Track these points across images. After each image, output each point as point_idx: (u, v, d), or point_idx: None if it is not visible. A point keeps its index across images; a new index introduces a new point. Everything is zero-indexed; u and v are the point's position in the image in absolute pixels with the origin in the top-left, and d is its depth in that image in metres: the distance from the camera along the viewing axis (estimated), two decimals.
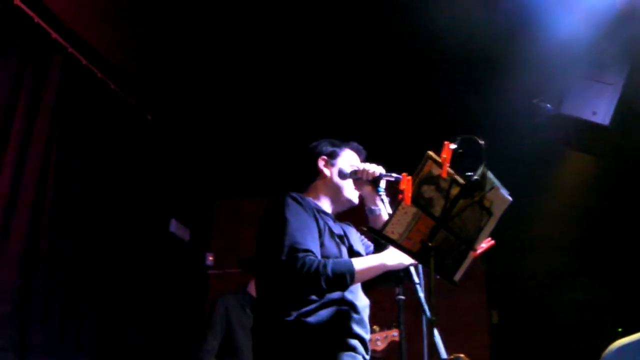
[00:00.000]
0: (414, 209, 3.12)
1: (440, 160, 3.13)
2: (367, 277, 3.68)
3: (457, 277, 3.43)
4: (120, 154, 7.09)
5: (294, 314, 3.54)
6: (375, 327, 5.79)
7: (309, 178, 4.19)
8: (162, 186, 8.04)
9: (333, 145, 4.23)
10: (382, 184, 3.96)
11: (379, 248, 3.90)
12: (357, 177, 4.02)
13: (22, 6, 5.71)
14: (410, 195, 3.07)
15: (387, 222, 3.14)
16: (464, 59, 6.77)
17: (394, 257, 3.65)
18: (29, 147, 5.72)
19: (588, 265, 8.51)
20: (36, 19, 5.87)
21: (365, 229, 3.77)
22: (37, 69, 5.92)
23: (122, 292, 6.87)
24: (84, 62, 6.52)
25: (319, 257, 3.59)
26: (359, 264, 3.62)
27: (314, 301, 3.57)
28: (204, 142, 8.61)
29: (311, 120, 7.59)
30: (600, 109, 6.45)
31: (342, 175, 4.07)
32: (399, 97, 7.59)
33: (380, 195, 3.94)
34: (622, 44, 6.18)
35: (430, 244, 3.14)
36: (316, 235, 3.74)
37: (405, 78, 7.26)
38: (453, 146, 3.11)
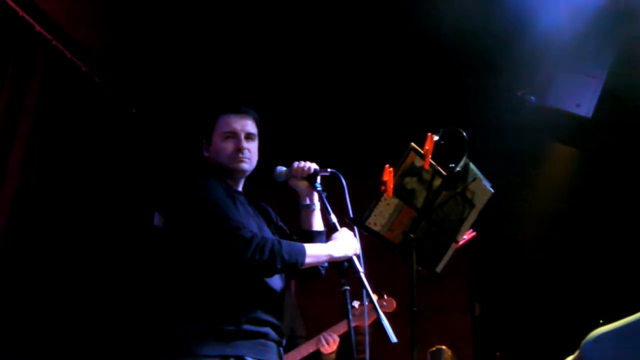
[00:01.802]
0: (396, 201, 3.13)
1: (422, 152, 3.13)
2: (313, 263, 3.65)
3: (439, 268, 3.45)
4: (104, 147, 7.05)
5: (206, 296, 3.52)
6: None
7: (204, 164, 4.14)
8: (146, 179, 8.02)
9: (207, 120, 4.11)
10: (318, 179, 3.95)
11: (304, 241, 3.87)
12: (292, 176, 4.02)
13: None
14: (392, 186, 3.08)
15: (369, 213, 3.15)
16: (446, 52, 6.78)
17: (340, 248, 3.63)
18: (11, 140, 5.69)
19: (571, 258, 8.55)
20: (20, 12, 5.83)
21: (347, 220, 3.77)
22: (20, 62, 5.89)
23: (105, 286, 6.84)
24: (68, 55, 6.48)
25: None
26: (309, 249, 3.60)
27: (230, 283, 3.54)
28: (189, 135, 8.59)
29: (297, 114, 7.60)
30: (583, 101, 6.47)
31: (279, 176, 4.06)
32: (382, 92, 7.59)
33: (318, 191, 3.92)
34: (605, 37, 6.20)
35: (412, 235, 3.14)
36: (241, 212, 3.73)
37: (389, 72, 7.25)
38: (436, 138, 3.11)
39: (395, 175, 3.10)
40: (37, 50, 6.10)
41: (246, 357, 3.45)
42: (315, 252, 3.62)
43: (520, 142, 7.71)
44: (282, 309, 3.80)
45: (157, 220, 8.31)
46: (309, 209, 4.04)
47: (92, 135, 6.85)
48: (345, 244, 3.59)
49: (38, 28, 6.05)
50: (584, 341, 2.00)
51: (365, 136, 7.88)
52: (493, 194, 3.44)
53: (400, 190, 3.13)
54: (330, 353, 5.95)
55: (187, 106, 7.98)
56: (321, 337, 5.95)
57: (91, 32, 6.61)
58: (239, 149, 3.91)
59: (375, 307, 3.27)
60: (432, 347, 6.40)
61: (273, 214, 4.24)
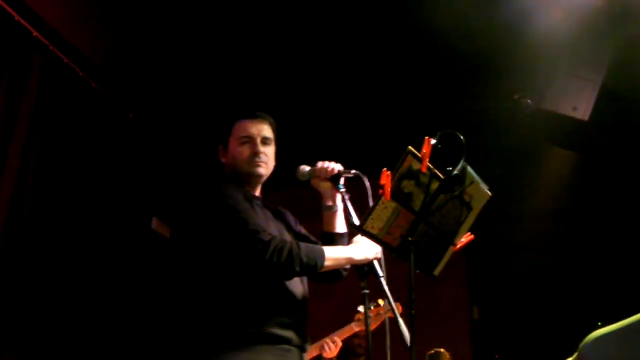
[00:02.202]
0: (394, 204, 3.12)
1: (420, 156, 3.13)
2: (333, 267, 3.65)
3: (438, 272, 3.43)
4: (102, 152, 7.05)
5: (226, 301, 3.50)
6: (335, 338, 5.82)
7: (222, 171, 4.11)
8: (144, 184, 8.02)
9: (224, 126, 4.11)
10: (342, 181, 3.92)
11: (328, 244, 3.87)
12: (316, 176, 3.98)
13: (3, 4, 5.68)
14: (390, 190, 3.07)
15: (367, 217, 3.14)
16: (444, 56, 6.79)
17: (360, 252, 3.64)
18: (8, 145, 5.70)
19: (570, 261, 8.56)
20: (17, 17, 5.84)
21: (350, 225, 3.76)
22: (17, 67, 5.90)
23: (102, 289, 6.84)
24: (65, 60, 6.49)
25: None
26: (329, 252, 3.61)
27: (251, 288, 3.51)
28: (187, 139, 8.59)
29: (297, 118, 7.60)
30: (580, 105, 6.49)
31: (302, 175, 4.03)
32: (380, 95, 7.58)
33: (342, 193, 3.90)
34: (602, 40, 6.21)
35: (410, 239, 3.14)
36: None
37: (387, 75, 7.25)
38: (433, 141, 3.11)
39: (393, 178, 3.09)
40: (34, 55, 6.11)
41: None
42: (335, 255, 3.63)
43: (518, 146, 7.73)
44: (304, 313, 3.77)
45: (155, 224, 8.31)
46: (332, 210, 4.03)
47: (89, 140, 6.85)
48: (367, 247, 3.58)
49: (35, 33, 6.06)
50: (583, 343, 2.00)
51: (363, 139, 7.87)
52: (491, 197, 3.44)
53: (398, 194, 3.12)
54: (332, 358, 5.94)
55: (185, 111, 7.98)
56: (324, 342, 5.94)
57: (88, 37, 6.61)
58: (256, 153, 3.90)
59: (394, 313, 3.25)
60: (431, 350, 6.42)
61: (292, 219, 4.21)
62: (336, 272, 3.89)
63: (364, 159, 4.06)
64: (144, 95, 7.66)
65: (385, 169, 3.13)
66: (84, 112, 6.80)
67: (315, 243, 3.99)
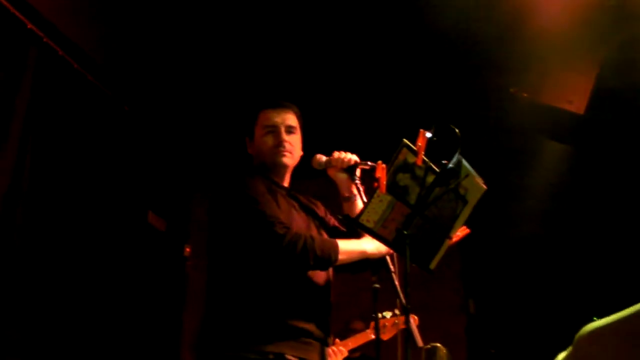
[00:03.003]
0: (389, 197, 3.12)
1: (415, 148, 3.12)
2: (346, 261, 3.63)
3: (433, 265, 3.43)
4: (97, 145, 7.03)
5: (245, 292, 3.52)
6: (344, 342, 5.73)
7: (250, 161, 4.11)
8: (139, 177, 8.01)
9: (249, 117, 4.10)
10: (357, 172, 3.92)
11: (351, 234, 3.87)
12: (332, 166, 3.95)
13: None
14: (385, 183, 3.07)
15: (363, 210, 3.13)
16: (440, 49, 6.78)
17: (374, 245, 3.63)
18: (4, 138, 5.68)
19: (566, 255, 8.56)
20: (11, 9, 5.81)
21: (340, 217, 3.75)
22: (12, 59, 5.88)
23: (98, 283, 6.83)
24: (60, 52, 6.45)
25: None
26: (343, 245, 3.59)
27: (270, 280, 3.53)
28: (183, 133, 8.58)
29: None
30: (575, 98, 6.49)
31: (318, 164, 4.02)
32: (375, 88, 7.57)
33: (356, 183, 3.89)
34: (598, 33, 6.21)
35: (405, 232, 3.13)
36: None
37: (384, 65, 7.24)
38: (428, 134, 3.10)
39: (388, 171, 3.09)
40: (29, 47, 6.09)
41: (286, 355, 3.43)
42: (348, 248, 3.62)
43: (514, 139, 7.72)
44: (327, 306, 3.77)
45: (150, 217, 8.31)
46: (349, 200, 4.00)
47: (85, 133, 6.83)
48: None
49: (30, 25, 6.03)
50: (578, 335, 1.99)
51: (359, 133, 7.85)
52: (486, 191, 3.43)
53: (393, 187, 3.11)
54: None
55: (180, 103, 7.96)
56: (330, 349, 5.88)
57: (83, 29, 6.59)
58: (280, 143, 3.90)
59: (405, 312, 3.21)
60: (427, 344, 6.40)
61: (322, 209, 4.21)
62: (363, 263, 3.82)
63: (361, 151, 4.03)
64: (139, 88, 7.64)
65: (380, 162, 3.13)
66: (79, 105, 6.78)
67: (345, 234, 3.99)
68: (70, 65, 6.64)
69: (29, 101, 5.99)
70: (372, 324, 5.33)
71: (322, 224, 4.05)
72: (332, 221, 4.18)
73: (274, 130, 3.93)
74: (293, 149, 3.97)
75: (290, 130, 3.97)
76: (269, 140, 3.92)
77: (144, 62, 7.19)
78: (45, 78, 6.23)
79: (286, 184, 4.04)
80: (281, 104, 4.05)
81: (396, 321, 5.19)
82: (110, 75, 7.23)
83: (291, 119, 4.01)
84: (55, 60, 6.42)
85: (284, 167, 3.96)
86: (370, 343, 7.19)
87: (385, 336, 5.19)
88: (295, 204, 3.92)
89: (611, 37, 6.25)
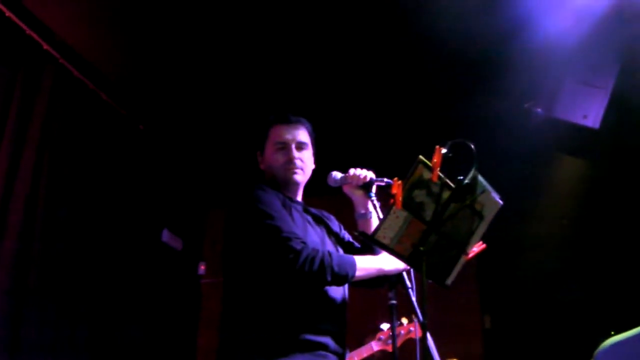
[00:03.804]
0: (405, 213, 3.11)
1: (431, 165, 3.13)
2: (363, 277, 3.63)
3: (449, 281, 3.41)
4: (112, 164, 7.07)
5: (262, 306, 3.51)
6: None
7: (261, 176, 4.11)
8: (155, 196, 8.03)
9: (261, 132, 4.10)
10: (373, 188, 3.92)
11: (366, 249, 3.87)
12: (348, 183, 3.96)
13: (14, 18, 5.70)
14: (401, 199, 3.07)
15: (379, 226, 3.13)
16: (454, 62, 6.78)
17: (391, 262, 3.64)
18: (20, 157, 5.72)
19: (582, 268, 8.52)
20: (27, 31, 5.86)
21: (357, 234, 3.76)
22: (28, 80, 5.92)
23: (114, 303, 6.84)
24: (76, 73, 6.51)
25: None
26: (360, 262, 3.60)
27: (286, 294, 3.53)
28: (198, 151, 8.60)
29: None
30: (590, 113, 6.47)
31: (334, 182, 4.02)
32: (390, 101, 7.57)
33: (372, 200, 3.89)
34: (612, 47, 6.20)
35: (421, 248, 3.13)
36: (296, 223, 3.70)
37: (397, 82, 7.24)
38: (444, 150, 3.11)
39: (404, 188, 3.09)
40: (44, 68, 6.13)
41: None
42: (365, 265, 3.62)
43: (529, 155, 7.71)
44: (343, 320, 3.77)
45: (166, 236, 8.32)
46: (365, 217, 4.00)
47: (100, 153, 6.87)
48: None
49: (46, 47, 6.08)
50: (597, 350, 1.99)
51: (374, 150, 7.85)
52: (502, 207, 3.42)
53: (409, 203, 3.11)
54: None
55: (195, 122, 7.98)
56: None
57: (98, 50, 6.63)
58: (290, 160, 3.91)
59: (422, 327, 3.20)
60: None
61: (336, 224, 4.22)
62: (380, 279, 3.82)
63: (377, 168, 4.04)
64: (154, 108, 7.67)
65: (396, 178, 3.13)
66: (94, 124, 6.82)
67: (360, 249, 4.01)
68: (86, 85, 6.69)
69: (44, 121, 6.02)
70: (377, 335, 5.32)
71: (336, 239, 4.06)
72: (347, 236, 4.20)
73: (285, 147, 3.94)
74: (304, 166, 3.98)
75: (301, 146, 3.98)
76: (280, 157, 3.93)
77: (158, 81, 7.22)
78: (60, 98, 6.27)
79: (299, 198, 4.05)
80: (292, 120, 4.05)
81: (401, 331, 5.17)
82: (125, 95, 7.27)
83: (302, 135, 4.02)
84: (71, 80, 6.47)
85: (296, 184, 3.96)
86: (374, 355, 7.22)
87: (390, 347, 5.16)
88: (310, 219, 3.93)
89: (625, 48, 6.24)
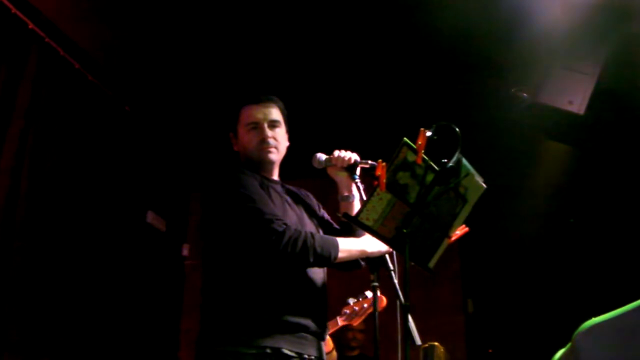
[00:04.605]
0: (388, 196, 3.12)
1: (415, 147, 3.13)
2: (346, 259, 3.64)
3: (432, 264, 3.43)
4: (97, 145, 7.03)
5: (243, 287, 3.52)
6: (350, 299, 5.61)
7: (236, 158, 4.11)
8: (139, 177, 8.01)
9: (231, 112, 4.09)
10: (358, 171, 3.92)
11: (346, 231, 3.88)
12: (332, 165, 3.97)
13: None
14: (385, 181, 3.07)
15: (362, 208, 3.14)
16: (440, 49, 6.78)
17: (374, 244, 3.63)
18: (3, 137, 5.68)
19: (564, 255, 8.56)
20: (13, 10, 5.82)
21: (340, 215, 3.76)
22: (13, 59, 5.88)
23: (97, 283, 6.83)
24: (62, 53, 6.46)
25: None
26: (343, 243, 3.60)
27: (267, 276, 3.53)
28: (182, 133, 8.57)
29: (295, 112, 7.59)
30: (576, 98, 6.49)
31: (318, 163, 4.02)
32: (374, 84, 7.55)
33: (356, 182, 3.89)
34: (599, 33, 6.21)
35: (405, 231, 3.14)
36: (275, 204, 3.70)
37: (382, 65, 7.22)
38: (429, 133, 3.11)
39: (388, 170, 3.09)
40: (30, 47, 6.09)
41: (283, 350, 3.44)
42: (348, 247, 3.62)
43: (514, 140, 7.73)
44: (324, 301, 3.79)
45: (150, 218, 8.31)
46: (348, 200, 4.01)
47: (85, 133, 6.83)
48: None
49: (31, 25, 6.03)
50: (576, 332, 2.00)
51: (360, 132, 7.85)
52: (486, 190, 3.43)
53: (393, 185, 3.12)
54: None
55: (182, 104, 7.95)
56: None
57: (84, 29, 6.58)
58: (263, 139, 3.89)
59: (404, 310, 3.19)
60: (425, 343, 6.39)
61: (315, 203, 4.22)
62: (355, 261, 3.87)
63: (361, 150, 4.04)
64: (140, 88, 7.64)
65: (380, 160, 3.13)
66: (79, 105, 6.77)
67: (339, 230, 4.02)
68: (72, 65, 6.64)
69: (30, 101, 5.98)
70: (343, 309, 5.31)
71: (315, 218, 4.06)
72: (326, 215, 4.21)
73: (257, 127, 3.92)
74: (278, 144, 3.97)
75: (273, 124, 3.96)
76: (253, 138, 3.92)
77: (145, 61, 7.18)
78: (46, 78, 6.23)
79: (276, 177, 4.05)
80: (262, 99, 4.03)
81: (365, 304, 5.15)
82: (111, 76, 7.23)
83: (274, 113, 4.00)
84: (57, 60, 6.42)
85: (271, 163, 3.96)
86: (355, 336, 7.20)
87: (356, 321, 5.16)
88: (289, 198, 3.93)
89: (612, 36, 6.25)
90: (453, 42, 6.54)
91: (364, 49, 6.97)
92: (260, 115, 3.94)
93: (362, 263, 3.97)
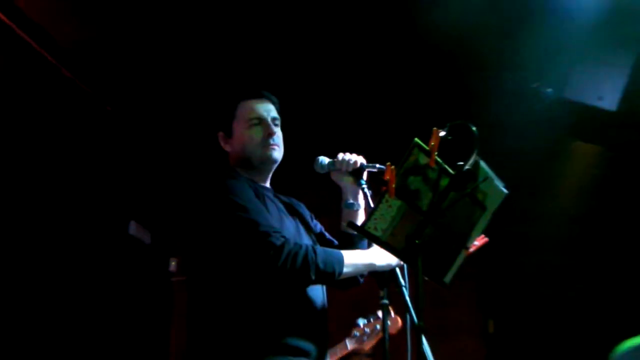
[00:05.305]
0: (398, 203, 3.09)
1: (428, 148, 3.10)
2: (351, 274, 3.61)
3: (448, 278, 3.39)
4: (76, 148, 7.02)
5: (238, 309, 3.47)
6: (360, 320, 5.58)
7: (224, 160, 4.06)
8: (122, 183, 7.99)
9: (224, 109, 4.04)
10: (364, 175, 3.90)
11: (345, 245, 3.85)
12: (336, 169, 3.94)
13: None
14: (394, 187, 3.05)
15: (369, 216, 3.10)
16: (456, 41, 6.75)
17: (382, 257, 3.59)
18: None
19: (591, 269, 8.53)
20: None
21: (345, 224, 3.73)
22: None
23: (72, 304, 6.81)
24: (35, 46, 6.44)
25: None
26: (348, 257, 3.54)
27: (264, 295, 3.47)
28: (170, 135, 8.55)
29: (294, 114, 7.58)
30: (606, 94, 6.46)
31: (320, 168, 3.99)
32: (381, 80, 7.55)
33: (363, 188, 3.86)
34: (632, 20, 6.18)
35: (417, 242, 3.11)
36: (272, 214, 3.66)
37: (391, 60, 7.22)
38: (442, 133, 3.08)
39: (397, 174, 3.06)
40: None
41: None
42: (354, 260, 3.58)
43: (537, 140, 7.69)
44: (324, 322, 3.75)
45: (133, 229, 8.28)
46: (352, 208, 3.98)
47: (62, 134, 6.82)
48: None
49: (1, 16, 6.02)
50: (612, 354, 1.98)
51: (367, 133, 7.84)
52: (507, 196, 3.41)
53: (403, 191, 3.09)
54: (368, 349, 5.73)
55: (168, 105, 7.94)
56: None
57: (61, 22, 6.57)
58: (270, 135, 3.87)
59: (418, 330, 3.15)
60: None
61: (307, 212, 4.19)
62: (353, 278, 3.82)
63: (367, 153, 4.01)
64: (123, 87, 7.61)
65: (389, 164, 3.10)
66: (55, 103, 6.76)
67: (332, 242, 4.01)
68: (45, 58, 6.62)
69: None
70: (352, 332, 5.28)
71: (310, 230, 4.04)
72: (319, 226, 4.18)
73: (261, 123, 3.90)
74: (281, 143, 3.95)
75: (276, 123, 3.96)
76: (256, 133, 3.88)
77: (128, 58, 7.16)
78: (16, 71, 6.22)
79: (268, 184, 4.02)
80: (265, 95, 4.03)
81: (378, 325, 5.13)
82: (90, 72, 7.21)
83: (274, 111, 4.00)
84: (29, 53, 6.41)
85: (273, 163, 3.93)
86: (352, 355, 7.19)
87: (367, 345, 5.14)
88: (282, 207, 3.90)
89: None
90: (469, 32, 6.52)
91: (371, 42, 6.98)
92: (263, 112, 3.94)
93: (361, 279, 3.94)
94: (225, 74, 7.32)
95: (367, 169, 3.90)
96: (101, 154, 7.52)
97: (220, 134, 4.02)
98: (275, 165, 3.97)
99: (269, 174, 3.99)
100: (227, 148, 4.02)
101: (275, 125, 3.94)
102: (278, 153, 3.91)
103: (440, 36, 6.65)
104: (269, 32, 6.80)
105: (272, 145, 3.86)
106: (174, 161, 8.95)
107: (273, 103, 4.03)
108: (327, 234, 4.13)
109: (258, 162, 3.88)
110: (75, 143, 7.03)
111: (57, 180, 6.71)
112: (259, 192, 3.71)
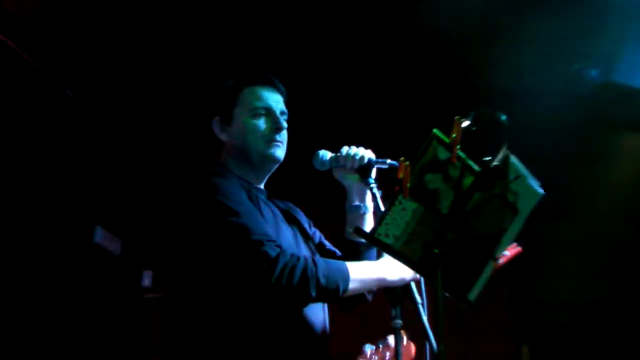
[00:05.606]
0: (414, 205, 3.09)
1: (448, 141, 3.10)
2: (359, 290, 3.58)
3: (473, 295, 3.39)
4: (31, 139, 7.03)
5: (232, 333, 3.42)
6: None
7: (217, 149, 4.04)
8: (86, 183, 8.00)
9: (226, 92, 4.01)
10: (373, 172, 3.89)
11: (350, 256, 3.85)
12: (340, 165, 3.92)
13: None
14: (409, 186, 3.05)
15: (379, 221, 3.09)
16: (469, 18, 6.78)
17: (395, 269, 3.58)
18: None
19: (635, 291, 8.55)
20: None
21: (351, 230, 3.73)
22: None
23: (31, 323, 6.83)
24: None
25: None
26: (354, 271, 3.50)
27: (257, 316, 3.43)
28: (144, 127, 8.56)
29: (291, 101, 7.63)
30: None
31: (321, 163, 3.98)
32: (394, 63, 7.58)
33: (371, 188, 3.85)
34: None
35: (436, 251, 3.11)
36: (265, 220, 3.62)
37: (404, 38, 7.25)
38: (465, 123, 3.08)
39: (412, 171, 3.06)
40: None
41: None
42: (361, 274, 3.54)
43: (578, 130, 7.70)
44: (325, 345, 3.73)
45: (100, 236, 8.29)
46: (359, 211, 3.98)
47: (15, 123, 6.82)
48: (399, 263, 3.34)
49: None
50: None
51: (376, 124, 7.87)
52: (543, 197, 3.41)
53: (419, 191, 3.09)
54: None
55: (138, 92, 7.94)
56: None
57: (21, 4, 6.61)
58: (278, 128, 3.85)
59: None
60: None
61: (305, 219, 4.19)
62: (360, 295, 3.82)
63: (376, 146, 4.01)
64: (86, 70, 7.61)
65: (402, 159, 3.09)
66: (8, 87, 6.77)
67: (334, 252, 4.01)
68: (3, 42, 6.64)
69: None
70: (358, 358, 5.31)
71: (309, 239, 4.03)
72: (318, 234, 4.18)
73: (268, 113, 3.88)
74: (285, 143, 3.95)
75: (284, 118, 3.94)
76: (261, 124, 3.86)
77: (92, 38, 7.17)
78: None
79: (263, 186, 4.01)
80: (275, 83, 4.01)
81: (388, 353, 5.15)
82: (48, 52, 7.21)
83: (283, 104, 3.99)
84: None
85: (275, 162, 3.92)
86: None
87: None
88: (278, 212, 3.87)
89: None
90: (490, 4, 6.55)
91: (383, 31, 7.02)
92: (272, 102, 3.92)
93: (369, 296, 3.94)
94: (221, 60, 7.35)
95: (376, 166, 3.88)
96: (62, 147, 7.51)
97: (217, 118, 3.99)
98: (276, 167, 3.95)
99: (266, 174, 3.98)
100: (223, 137, 3.98)
101: (283, 119, 3.92)
102: (282, 152, 3.90)
103: (467, 17, 6.70)
104: (261, 23, 6.88)
105: (278, 141, 3.85)
106: (150, 156, 8.95)
107: (282, 94, 4.02)
108: (327, 244, 4.12)
109: (258, 158, 3.86)
110: (30, 133, 7.02)
111: (13, 177, 6.71)
112: (252, 194, 3.67)
